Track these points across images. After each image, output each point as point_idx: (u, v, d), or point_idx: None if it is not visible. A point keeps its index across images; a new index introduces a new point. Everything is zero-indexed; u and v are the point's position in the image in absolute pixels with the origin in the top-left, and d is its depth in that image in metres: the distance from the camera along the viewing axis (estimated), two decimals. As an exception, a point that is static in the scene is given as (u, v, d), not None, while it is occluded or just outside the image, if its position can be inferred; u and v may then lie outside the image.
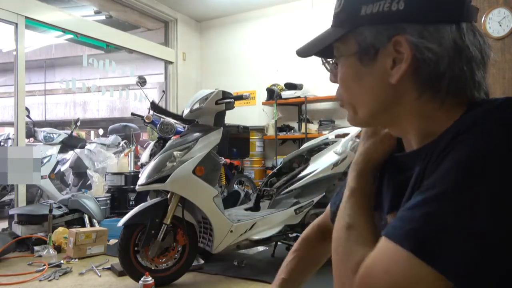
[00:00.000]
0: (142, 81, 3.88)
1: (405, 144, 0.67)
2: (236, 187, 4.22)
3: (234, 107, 2.66)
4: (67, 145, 4.82)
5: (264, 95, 5.42)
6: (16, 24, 3.96)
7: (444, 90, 0.58)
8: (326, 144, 3.07)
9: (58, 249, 3.30)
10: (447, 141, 0.53)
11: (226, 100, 2.59)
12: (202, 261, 2.84)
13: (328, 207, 0.92)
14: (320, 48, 0.66)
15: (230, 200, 3.31)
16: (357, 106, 0.65)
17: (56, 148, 4.62)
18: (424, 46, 0.57)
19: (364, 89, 0.63)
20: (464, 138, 0.51)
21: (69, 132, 4.89)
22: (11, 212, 3.79)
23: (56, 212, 3.67)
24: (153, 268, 2.46)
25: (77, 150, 5.04)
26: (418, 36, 0.57)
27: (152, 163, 2.50)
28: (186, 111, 2.67)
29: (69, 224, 3.78)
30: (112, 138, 5.55)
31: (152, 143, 3.76)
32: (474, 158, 0.48)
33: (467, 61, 0.58)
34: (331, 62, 0.69)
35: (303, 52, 0.69)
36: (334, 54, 0.67)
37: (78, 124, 5.25)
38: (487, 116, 0.52)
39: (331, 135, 3.21)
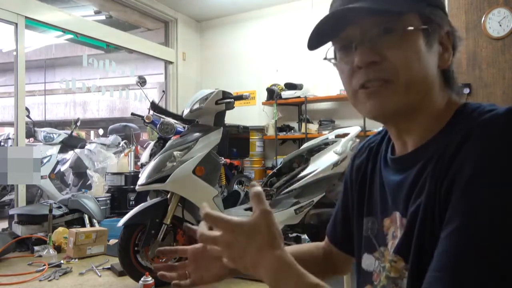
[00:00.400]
0: (142, 81, 3.87)
1: (397, 145, 0.66)
2: (236, 187, 4.21)
3: (234, 107, 2.66)
4: (67, 145, 4.83)
5: (264, 95, 5.42)
6: (16, 24, 3.96)
7: (452, 82, 0.59)
8: (326, 144, 3.07)
9: (58, 249, 3.30)
10: (453, 149, 0.52)
11: (226, 100, 2.58)
12: (202, 261, 2.84)
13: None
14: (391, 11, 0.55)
15: (230, 200, 3.30)
16: (409, 86, 0.57)
17: (56, 148, 4.62)
18: (458, 36, 0.59)
19: (424, 69, 0.57)
20: (471, 151, 0.49)
21: (69, 132, 4.89)
22: (11, 212, 3.79)
23: (56, 212, 3.67)
24: (153, 268, 2.46)
25: (77, 150, 5.04)
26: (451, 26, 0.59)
27: (152, 163, 2.50)
28: (186, 111, 2.67)
29: (69, 224, 3.78)
30: (112, 138, 5.55)
31: (152, 143, 3.75)
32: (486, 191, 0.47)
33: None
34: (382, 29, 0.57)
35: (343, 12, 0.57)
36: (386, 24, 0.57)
37: (78, 124, 5.24)
38: (495, 120, 0.51)
39: (331, 135, 3.22)
